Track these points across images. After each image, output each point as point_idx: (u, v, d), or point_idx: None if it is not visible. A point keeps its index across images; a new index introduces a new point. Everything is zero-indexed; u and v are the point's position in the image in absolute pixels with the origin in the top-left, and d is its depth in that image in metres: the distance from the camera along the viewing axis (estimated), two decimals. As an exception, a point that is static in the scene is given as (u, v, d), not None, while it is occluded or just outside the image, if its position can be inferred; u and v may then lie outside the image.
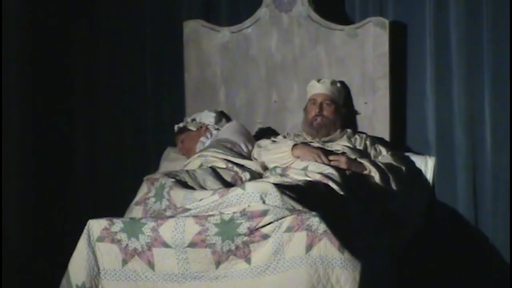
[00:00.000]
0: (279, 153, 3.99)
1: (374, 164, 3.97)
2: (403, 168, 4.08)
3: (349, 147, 4.10)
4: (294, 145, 3.99)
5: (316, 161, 3.88)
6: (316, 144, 4.09)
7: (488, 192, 4.29)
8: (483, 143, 4.30)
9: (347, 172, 3.84)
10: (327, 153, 3.97)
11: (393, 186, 3.95)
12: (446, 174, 4.35)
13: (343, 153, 4.02)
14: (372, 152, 4.16)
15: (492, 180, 4.28)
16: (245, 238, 3.18)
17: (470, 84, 4.30)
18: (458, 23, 4.31)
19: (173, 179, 3.68)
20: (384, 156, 4.14)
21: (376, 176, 3.92)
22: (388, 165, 4.01)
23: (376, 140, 4.26)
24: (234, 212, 3.23)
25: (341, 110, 4.28)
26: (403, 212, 3.94)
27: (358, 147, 4.15)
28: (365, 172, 3.93)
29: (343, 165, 3.92)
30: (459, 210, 4.33)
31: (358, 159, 3.97)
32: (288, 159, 3.94)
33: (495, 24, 4.24)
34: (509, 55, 4.20)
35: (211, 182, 3.75)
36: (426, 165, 4.29)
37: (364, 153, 4.10)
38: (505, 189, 4.24)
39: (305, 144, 4.05)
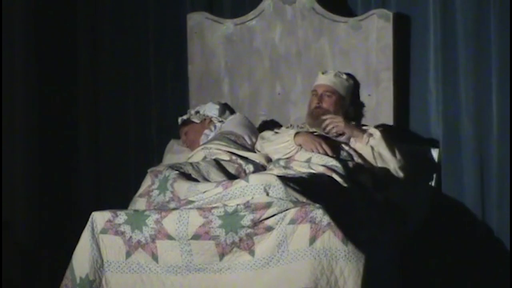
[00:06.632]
0: (282, 142, 3.97)
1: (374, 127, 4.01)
2: (406, 158, 4.07)
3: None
4: (297, 133, 3.98)
5: (318, 150, 3.86)
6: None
7: (494, 185, 4.27)
8: (490, 136, 4.26)
9: (350, 164, 3.83)
10: (330, 143, 3.95)
11: (396, 150, 3.96)
12: (453, 167, 4.33)
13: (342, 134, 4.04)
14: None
15: (499, 173, 4.25)
16: (249, 230, 3.18)
17: (476, 77, 4.26)
18: (464, 14, 4.27)
19: (176, 172, 3.68)
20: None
21: (376, 134, 3.94)
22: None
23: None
24: (237, 204, 3.22)
25: (343, 102, 4.26)
26: (407, 204, 3.93)
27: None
28: (365, 136, 3.95)
29: (341, 124, 3.98)
30: (465, 203, 4.31)
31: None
32: (291, 148, 3.92)
33: (503, 15, 4.19)
34: (517, 47, 4.18)
35: (214, 174, 3.75)
36: (430, 158, 4.28)
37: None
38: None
39: (308, 132, 4.03)
